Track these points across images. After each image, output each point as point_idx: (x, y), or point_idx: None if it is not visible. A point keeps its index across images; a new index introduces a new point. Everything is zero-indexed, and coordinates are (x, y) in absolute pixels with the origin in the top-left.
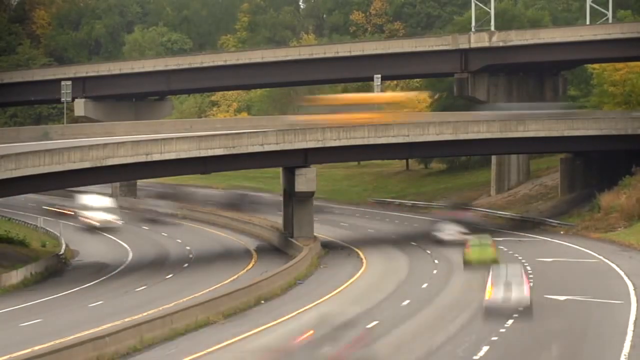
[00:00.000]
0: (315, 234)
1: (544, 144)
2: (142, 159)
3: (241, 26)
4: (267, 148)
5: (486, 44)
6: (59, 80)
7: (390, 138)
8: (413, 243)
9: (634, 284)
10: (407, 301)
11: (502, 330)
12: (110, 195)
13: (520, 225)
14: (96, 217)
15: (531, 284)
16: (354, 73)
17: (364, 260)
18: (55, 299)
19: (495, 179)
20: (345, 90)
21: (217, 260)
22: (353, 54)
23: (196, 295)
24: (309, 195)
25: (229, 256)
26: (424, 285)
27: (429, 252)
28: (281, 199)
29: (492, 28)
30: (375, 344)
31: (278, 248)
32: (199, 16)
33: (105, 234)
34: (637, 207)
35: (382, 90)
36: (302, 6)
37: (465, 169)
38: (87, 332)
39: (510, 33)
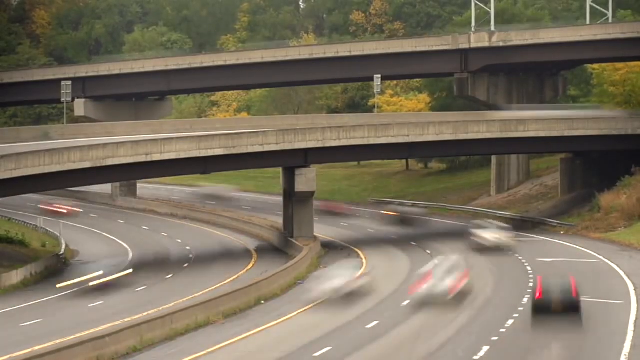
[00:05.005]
0: (315, 233)
1: (544, 144)
2: (142, 159)
3: (241, 26)
4: (267, 148)
5: (486, 44)
6: (59, 80)
7: (390, 138)
8: (413, 243)
9: (634, 284)
10: (407, 301)
11: (502, 330)
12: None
13: (520, 225)
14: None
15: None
16: (354, 73)
17: (364, 261)
18: (55, 298)
19: (495, 179)
20: (345, 91)
21: (217, 260)
22: (353, 54)
23: (196, 295)
24: (309, 195)
25: (229, 256)
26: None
27: (428, 252)
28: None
29: (492, 28)
30: None
31: (278, 248)
32: (199, 16)
33: None
34: (637, 207)
35: (382, 90)
36: (302, 6)
37: (465, 169)
38: (87, 332)
39: (510, 33)
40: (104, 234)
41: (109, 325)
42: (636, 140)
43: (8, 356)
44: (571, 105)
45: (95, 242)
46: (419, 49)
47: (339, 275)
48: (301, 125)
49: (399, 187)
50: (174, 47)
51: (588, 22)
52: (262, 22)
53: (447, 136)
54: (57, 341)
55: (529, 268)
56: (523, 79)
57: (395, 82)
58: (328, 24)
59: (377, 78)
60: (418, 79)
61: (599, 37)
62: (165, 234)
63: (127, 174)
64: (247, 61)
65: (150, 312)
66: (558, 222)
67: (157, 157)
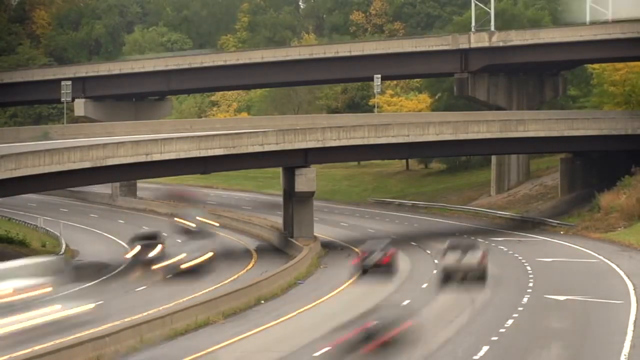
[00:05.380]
0: (315, 233)
1: (544, 144)
2: (142, 159)
3: (241, 26)
4: (267, 148)
5: (486, 44)
6: (59, 80)
7: (390, 138)
8: (413, 243)
9: (634, 284)
10: (407, 301)
11: (502, 330)
12: None
13: (520, 225)
14: None
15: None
16: (354, 73)
17: None
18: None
19: (495, 179)
20: (345, 91)
21: (217, 260)
22: (353, 54)
23: (196, 295)
24: (309, 195)
25: (229, 256)
26: (424, 285)
27: (428, 252)
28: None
29: (492, 28)
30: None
31: (278, 248)
32: (199, 16)
33: None
34: (637, 207)
35: (382, 90)
36: (302, 6)
37: (465, 169)
38: (87, 332)
39: (510, 33)
40: (104, 234)
41: (109, 325)
42: (636, 140)
43: (8, 356)
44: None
45: (96, 242)
46: (419, 49)
47: None
48: (301, 125)
49: (399, 187)
50: (174, 47)
51: (588, 22)
52: (262, 22)
53: (447, 136)
54: (57, 341)
55: (528, 268)
56: (523, 79)
57: (395, 82)
58: (328, 24)
59: (377, 78)
60: (418, 79)
61: (599, 37)
62: (166, 234)
63: (127, 174)
64: (247, 61)
65: (150, 312)
66: (558, 222)
67: (157, 157)
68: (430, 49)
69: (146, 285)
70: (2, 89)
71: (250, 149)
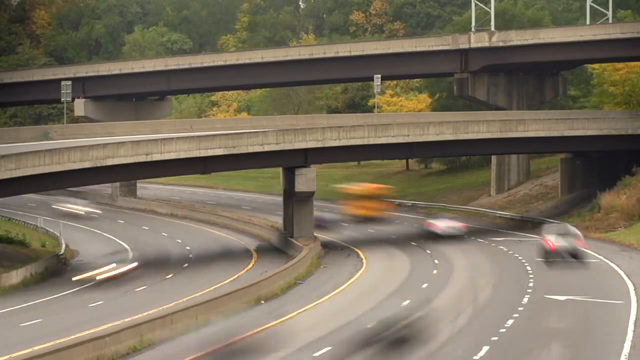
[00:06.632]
0: (315, 233)
1: (544, 144)
2: (142, 159)
3: (241, 26)
4: (267, 148)
5: (486, 44)
6: (59, 80)
7: (390, 138)
8: (413, 243)
9: (634, 284)
10: (407, 301)
11: (502, 330)
12: None
13: (520, 225)
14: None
15: None
16: (354, 73)
17: (364, 261)
18: (55, 299)
19: (495, 179)
20: (345, 91)
21: (217, 260)
22: (353, 54)
23: (196, 295)
24: (309, 195)
25: (229, 256)
26: (424, 286)
27: (429, 252)
28: None
29: (492, 28)
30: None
31: (278, 248)
32: (199, 16)
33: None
34: (637, 207)
35: (382, 90)
36: (302, 6)
37: (465, 169)
38: (87, 332)
39: (510, 33)
40: (104, 234)
41: (109, 325)
42: (636, 140)
43: (8, 356)
44: None
45: (95, 242)
46: (419, 49)
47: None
48: (301, 125)
49: (399, 187)
50: (174, 47)
51: (588, 22)
52: (262, 22)
53: (447, 136)
54: (57, 341)
55: (529, 268)
56: (523, 79)
57: (395, 82)
58: (328, 24)
59: (377, 78)
60: (418, 79)
61: (599, 37)
62: (166, 234)
63: (127, 174)
64: (247, 61)
65: (150, 312)
66: (558, 222)
67: (157, 157)
68: (430, 49)
69: (146, 285)
70: (2, 89)
71: (250, 149)
